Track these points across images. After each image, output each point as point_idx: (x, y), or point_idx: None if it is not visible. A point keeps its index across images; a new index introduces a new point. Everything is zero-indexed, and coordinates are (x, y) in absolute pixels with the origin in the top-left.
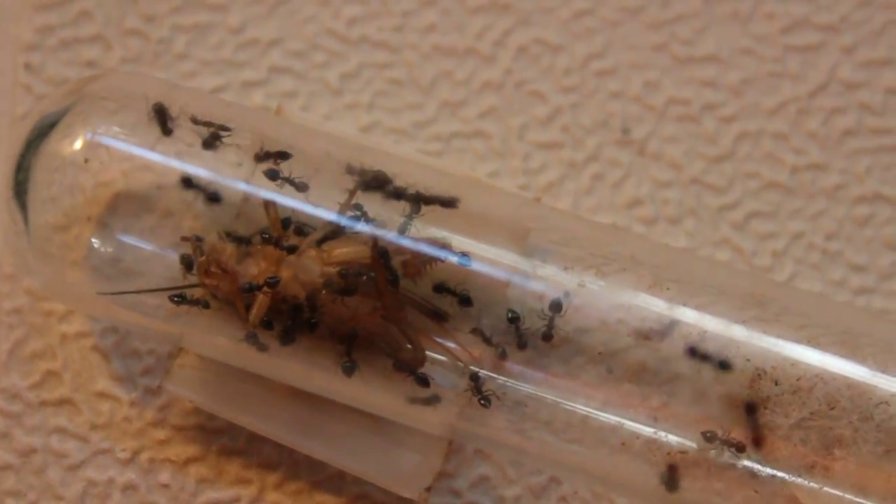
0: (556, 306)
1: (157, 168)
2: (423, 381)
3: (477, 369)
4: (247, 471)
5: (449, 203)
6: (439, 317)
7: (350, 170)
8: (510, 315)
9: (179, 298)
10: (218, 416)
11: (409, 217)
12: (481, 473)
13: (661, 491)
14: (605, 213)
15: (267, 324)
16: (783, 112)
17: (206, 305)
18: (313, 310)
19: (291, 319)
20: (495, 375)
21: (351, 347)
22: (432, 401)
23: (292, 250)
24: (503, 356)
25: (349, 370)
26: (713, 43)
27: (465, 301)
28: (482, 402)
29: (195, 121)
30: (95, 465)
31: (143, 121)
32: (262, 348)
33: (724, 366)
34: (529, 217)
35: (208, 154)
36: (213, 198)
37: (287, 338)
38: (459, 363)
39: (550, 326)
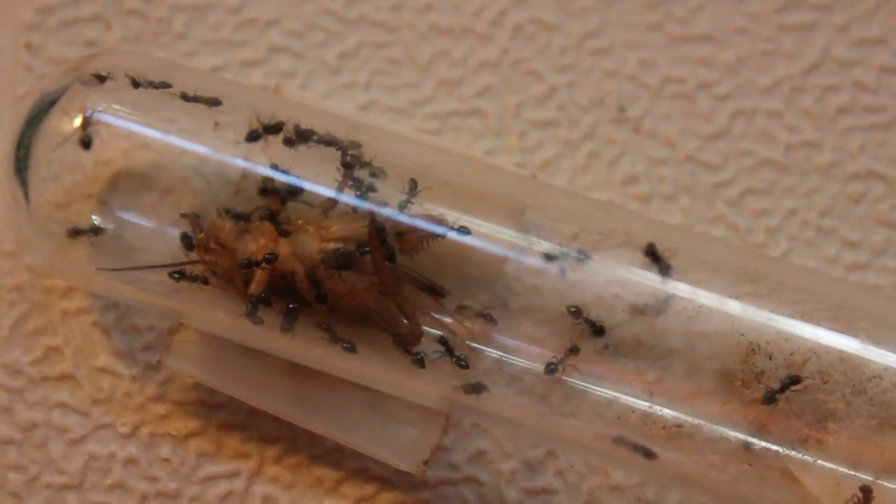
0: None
1: (156, 146)
2: (419, 362)
3: (443, 334)
4: (246, 445)
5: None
6: (436, 292)
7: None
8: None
9: (179, 275)
10: (218, 391)
11: (410, 194)
12: (478, 447)
13: (656, 462)
14: (601, 190)
15: (265, 300)
16: (777, 90)
17: (206, 281)
18: (317, 286)
19: (291, 303)
20: (492, 350)
21: (331, 320)
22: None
23: (286, 234)
24: (492, 321)
25: (349, 350)
26: (708, 22)
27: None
28: (459, 363)
29: (186, 97)
30: (97, 440)
31: (142, 99)
32: (259, 321)
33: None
34: (526, 194)
35: (207, 133)
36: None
37: (287, 324)
38: (455, 337)
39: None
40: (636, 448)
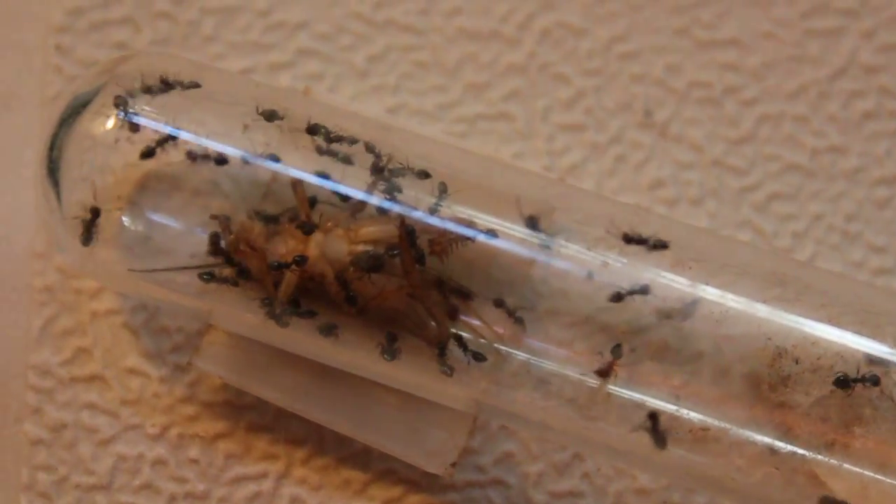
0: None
1: (186, 147)
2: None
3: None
4: (274, 446)
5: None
6: (465, 295)
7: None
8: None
9: (209, 276)
10: (246, 393)
11: (440, 197)
12: (506, 450)
13: (682, 465)
14: (628, 194)
15: (294, 302)
16: (803, 95)
17: (236, 283)
18: (346, 288)
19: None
20: (521, 353)
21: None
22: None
23: (310, 230)
24: (521, 323)
25: (392, 354)
26: (735, 27)
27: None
28: (476, 357)
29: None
30: (126, 441)
31: (171, 100)
32: (284, 324)
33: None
34: (554, 197)
35: (237, 134)
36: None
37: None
38: (484, 341)
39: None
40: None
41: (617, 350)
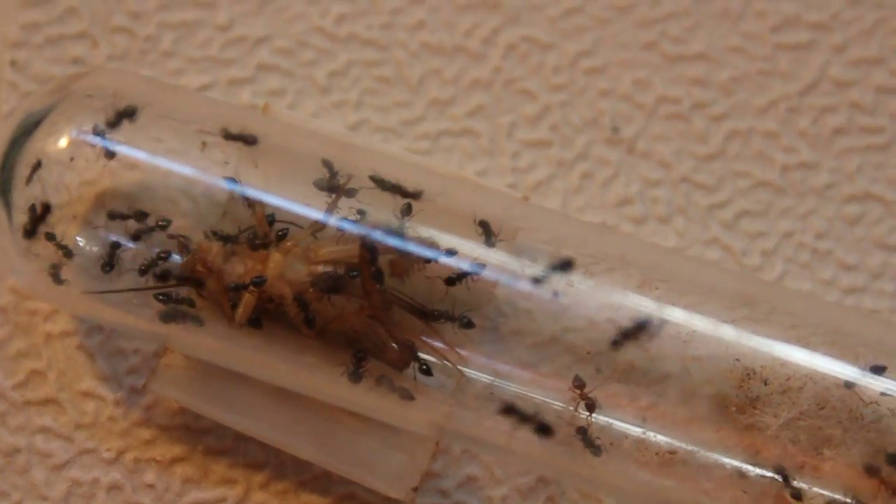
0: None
1: (142, 166)
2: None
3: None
4: (233, 471)
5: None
6: (426, 316)
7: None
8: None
9: (164, 297)
10: (204, 416)
11: (403, 217)
12: (469, 474)
13: (648, 491)
14: (594, 212)
15: (255, 322)
16: (773, 111)
17: (192, 304)
18: (305, 309)
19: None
20: (484, 376)
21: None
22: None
23: (264, 247)
24: (468, 326)
25: (357, 378)
26: (703, 41)
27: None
28: (423, 370)
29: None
30: (80, 465)
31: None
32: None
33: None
34: (518, 216)
35: (194, 153)
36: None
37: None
38: (447, 363)
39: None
40: (526, 419)
41: (578, 379)
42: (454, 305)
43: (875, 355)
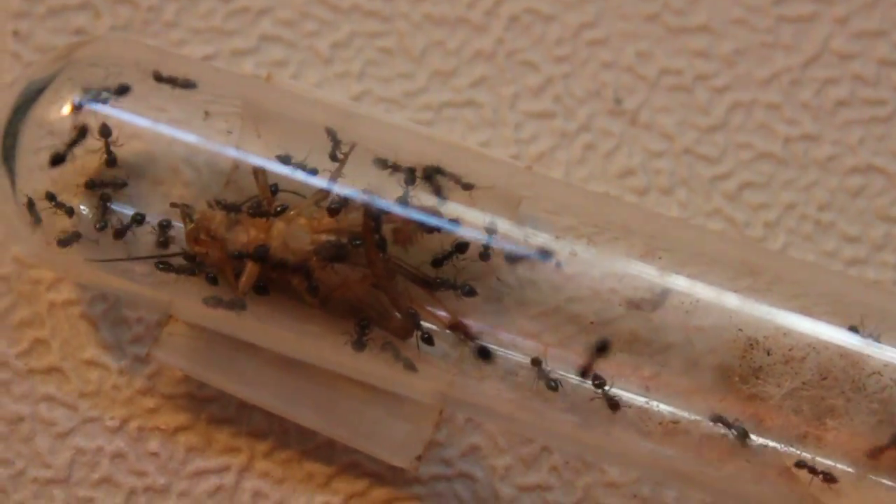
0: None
1: (146, 135)
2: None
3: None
4: (236, 439)
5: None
6: (429, 285)
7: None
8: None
9: (165, 266)
10: (207, 385)
11: (407, 186)
12: (472, 443)
13: (651, 460)
14: (597, 183)
15: (261, 289)
16: (776, 83)
17: (193, 272)
18: (309, 277)
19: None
20: (489, 345)
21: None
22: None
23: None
24: (470, 293)
25: (361, 346)
26: (706, 13)
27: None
28: (425, 338)
29: (158, 77)
30: (84, 434)
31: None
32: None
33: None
34: (521, 185)
35: (197, 122)
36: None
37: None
38: (449, 332)
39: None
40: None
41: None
42: (457, 274)
43: (878, 325)
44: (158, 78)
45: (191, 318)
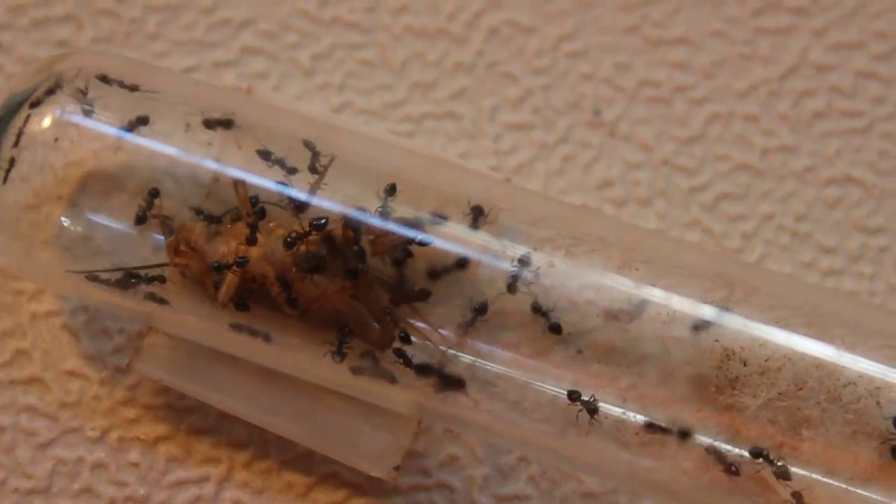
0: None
1: (127, 147)
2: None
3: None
4: (216, 450)
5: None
6: (395, 297)
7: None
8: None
9: (136, 279)
10: (187, 395)
11: (386, 198)
12: (450, 453)
13: (628, 470)
14: (576, 194)
15: (241, 304)
16: (754, 94)
17: (163, 280)
18: (288, 289)
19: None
20: (465, 355)
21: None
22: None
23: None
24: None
25: (342, 355)
26: (684, 25)
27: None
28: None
29: (105, 79)
30: (65, 444)
31: (113, 100)
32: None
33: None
34: (500, 197)
35: (179, 134)
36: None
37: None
38: (429, 343)
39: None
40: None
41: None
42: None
43: (853, 337)
44: (104, 80)
45: (171, 330)
